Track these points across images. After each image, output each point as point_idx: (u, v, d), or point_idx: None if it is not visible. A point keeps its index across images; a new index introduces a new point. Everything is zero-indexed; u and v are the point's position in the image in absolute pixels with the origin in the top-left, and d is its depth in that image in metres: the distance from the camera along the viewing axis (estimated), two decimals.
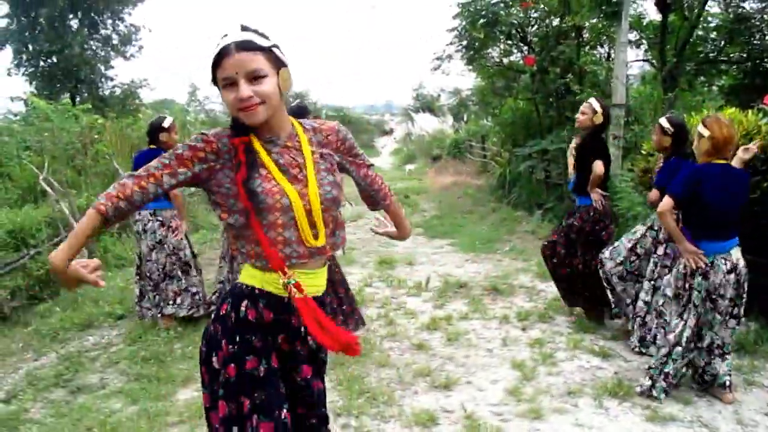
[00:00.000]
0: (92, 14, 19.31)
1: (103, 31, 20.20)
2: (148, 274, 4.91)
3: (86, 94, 18.88)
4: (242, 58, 1.61)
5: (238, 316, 1.73)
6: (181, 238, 4.97)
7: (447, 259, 7.38)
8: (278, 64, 1.70)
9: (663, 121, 4.28)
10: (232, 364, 1.70)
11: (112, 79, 20.25)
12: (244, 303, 1.73)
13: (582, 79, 9.85)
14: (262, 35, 1.70)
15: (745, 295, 3.61)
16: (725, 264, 3.47)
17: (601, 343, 4.45)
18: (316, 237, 1.74)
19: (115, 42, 20.42)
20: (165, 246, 4.88)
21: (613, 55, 11.81)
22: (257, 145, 1.72)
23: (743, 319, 4.46)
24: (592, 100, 4.83)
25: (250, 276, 1.76)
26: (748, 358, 4.19)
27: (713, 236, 3.48)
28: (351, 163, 1.99)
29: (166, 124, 4.87)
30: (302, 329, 1.76)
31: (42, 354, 4.53)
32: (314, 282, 1.79)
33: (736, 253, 3.54)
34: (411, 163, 23.29)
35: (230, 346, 1.71)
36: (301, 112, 4.47)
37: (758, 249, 5.34)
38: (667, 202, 3.46)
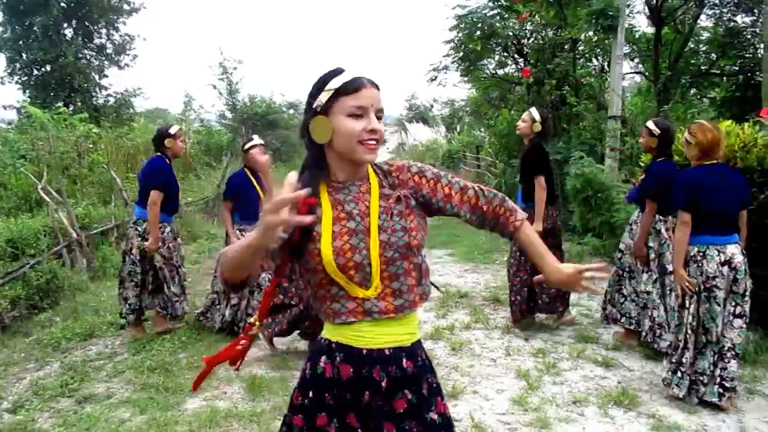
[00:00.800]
0: (87, 23, 19.31)
1: (97, 41, 20.20)
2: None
3: (80, 103, 18.85)
4: (375, 93, 1.60)
5: (315, 371, 1.64)
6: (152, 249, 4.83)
7: (447, 269, 7.41)
8: None
9: (650, 124, 4.59)
10: (300, 415, 1.64)
11: (106, 89, 20.23)
12: (322, 358, 1.64)
13: (578, 91, 9.96)
14: None
15: (747, 295, 3.68)
16: (718, 255, 3.57)
17: (603, 352, 4.50)
18: (367, 287, 1.58)
19: (109, 51, 20.42)
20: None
21: (607, 68, 11.98)
22: (324, 197, 1.62)
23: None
24: (533, 109, 5.11)
25: (327, 329, 1.67)
26: (749, 368, 4.24)
27: (708, 229, 3.59)
28: (435, 194, 1.72)
29: (172, 131, 4.92)
30: (382, 383, 1.61)
31: (45, 364, 4.51)
32: (388, 332, 1.62)
33: (733, 249, 3.61)
34: None
35: (302, 399, 1.64)
36: None
37: (757, 260, 5.41)
38: (682, 218, 3.59)
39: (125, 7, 19.95)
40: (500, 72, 12.61)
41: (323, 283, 1.59)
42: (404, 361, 1.62)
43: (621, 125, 8.67)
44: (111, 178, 9.59)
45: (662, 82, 10.32)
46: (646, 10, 11.52)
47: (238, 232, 4.87)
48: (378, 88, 1.62)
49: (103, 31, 20.22)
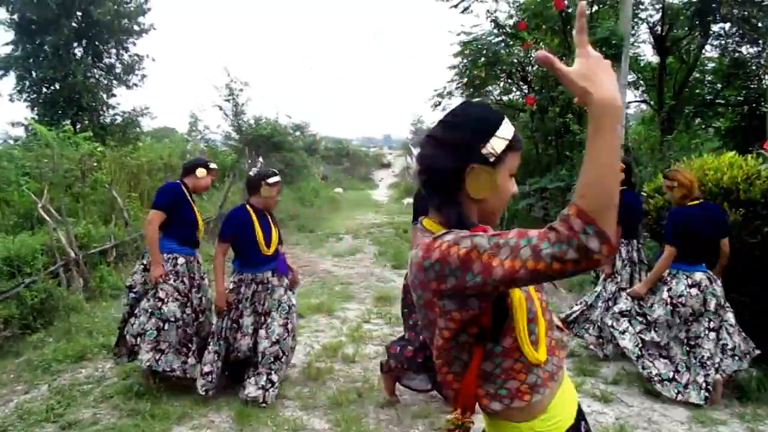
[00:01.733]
0: (97, 43, 19.49)
1: (107, 60, 20.34)
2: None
3: (87, 122, 18.93)
4: None
5: None
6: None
7: None
8: None
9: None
10: None
11: (113, 108, 20.33)
12: None
13: (581, 118, 9.94)
14: None
15: (721, 312, 4.29)
16: (686, 279, 4.25)
17: (602, 386, 4.40)
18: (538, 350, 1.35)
19: (118, 71, 20.55)
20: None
21: None
22: None
23: (745, 364, 4.46)
24: None
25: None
26: (751, 406, 4.14)
27: (682, 260, 4.24)
28: None
29: (211, 165, 4.57)
30: None
31: (33, 386, 4.44)
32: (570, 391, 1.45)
33: (700, 275, 4.27)
34: (408, 197, 23.35)
35: None
36: None
37: (757, 293, 5.32)
38: (670, 251, 4.21)
39: (135, 28, 20.15)
40: (505, 98, 12.64)
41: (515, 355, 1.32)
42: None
43: (625, 153, 8.63)
44: (112, 197, 9.56)
45: (666, 111, 10.32)
46: (651, 40, 11.58)
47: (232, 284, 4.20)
48: None
49: (113, 51, 20.37)
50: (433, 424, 3.75)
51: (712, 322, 4.23)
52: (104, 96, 20.16)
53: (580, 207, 1.08)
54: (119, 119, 20.25)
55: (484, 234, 1.20)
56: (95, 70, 20.15)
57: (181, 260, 4.28)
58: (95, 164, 11.81)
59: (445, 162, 1.33)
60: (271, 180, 4.27)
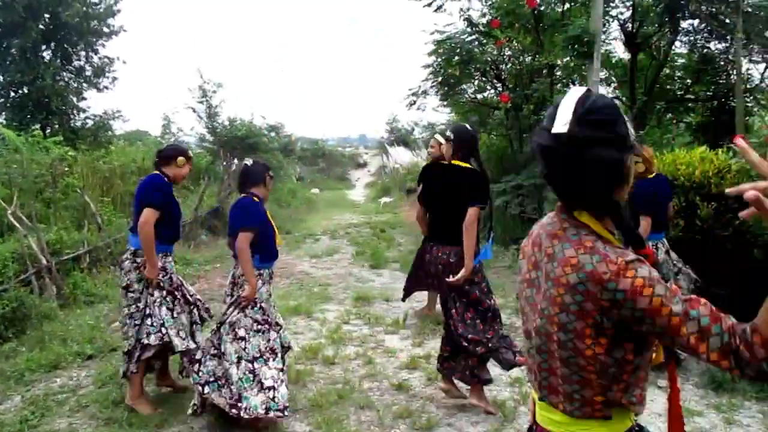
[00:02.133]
0: (66, 46, 19.15)
1: (76, 63, 20.01)
2: None
3: (57, 126, 18.61)
4: None
5: None
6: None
7: (424, 295, 7.31)
8: None
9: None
10: None
11: (84, 111, 20.01)
12: None
13: None
14: None
15: (684, 268, 4.86)
16: (663, 246, 4.76)
17: None
18: None
19: (88, 74, 20.22)
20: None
21: None
22: None
23: None
24: (437, 135, 5.09)
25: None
26: (726, 397, 4.20)
27: (656, 229, 4.66)
28: None
29: (190, 153, 4.40)
30: None
31: (6, 397, 4.34)
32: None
33: (665, 241, 4.84)
34: (386, 196, 23.34)
35: None
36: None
37: (729, 284, 5.41)
38: (647, 223, 4.55)
39: (105, 29, 19.84)
40: (479, 97, 12.69)
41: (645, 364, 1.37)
42: None
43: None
44: (85, 202, 9.40)
45: (638, 107, 10.44)
46: (622, 36, 11.71)
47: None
48: None
49: (82, 53, 20.04)
50: (415, 423, 3.75)
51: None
52: (74, 99, 19.83)
53: (765, 337, 1.13)
54: (90, 123, 19.93)
55: (675, 291, 1.23)
56: (64, 73, 19.80)
57: (169, 258, 4.15)
58: (66, 169, 11.61)
59: (617, 156, 1.29)
60: (271, 173, 4.17)
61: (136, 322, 3.95)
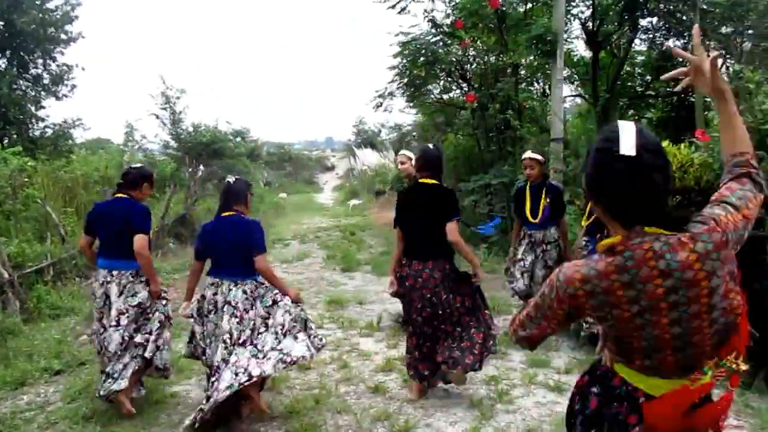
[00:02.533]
0: (22, 53, 18.68)
1: (33, 71, 19.53)
2: None
3: (15, 136, 18.16)
4: None
5: None
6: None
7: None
8: None
9: (535, 155, 5.52)
10: None
11: (43, 120, 19.55)
12: None
13: (521, 114, 10.14)
14: None
15: None
16: None
17: (555, 377, 4.48)
18: None
19: (46, 82, 19.78)
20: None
21: (548, 91, 12.26)
22: None
23: None
24: (404, 151, 5.24)
25: None
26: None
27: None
28: None
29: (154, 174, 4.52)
30: None
31: None
32: None
33: None
34: (354, 199, 23.31)
35: None
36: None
37: None
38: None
39: (62, 36, 19.42)
40: (445, 97, 12.77)
41: None
42: None
43: (564, 147, 8.84)
44: (46, 213, 9.17)
45: (602, 105, 10.61)
46: (584, 35, 11.89)
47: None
48: None
49: (39, 61, 19.57)
50: (393, 426, 3.73)
51: None
52: (32, 108, 19.36)
53: (751, 152, 1.65)
54: (50, 132, 19.49)
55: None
56: (21, 82, 19.32)
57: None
58: (26, 180, 11.31)
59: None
60: (252, 191, 4.28)
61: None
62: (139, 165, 4.55)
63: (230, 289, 3.81)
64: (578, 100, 14.96)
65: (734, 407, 3.97)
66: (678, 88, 1.73)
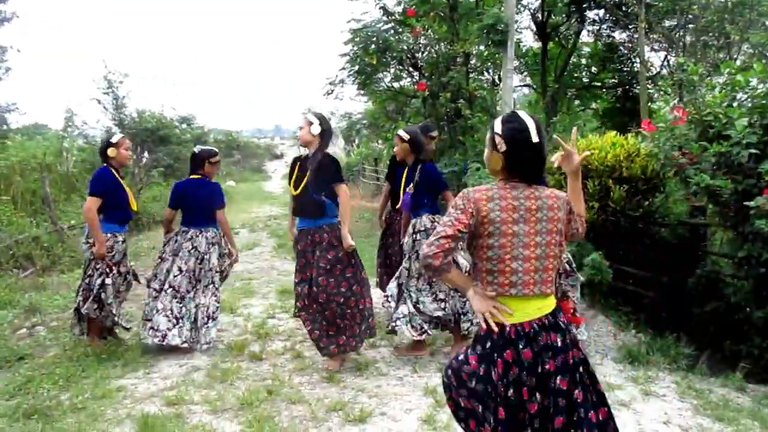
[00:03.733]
0: None
1: None
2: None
3: None
4: None
5: None
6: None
7: None
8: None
9: (401, 132, 4.98)
10: None
11: None
12: None
13: (472, 103, 10.20)
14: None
15: None
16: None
17: None
18: None
19: None
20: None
21: (498, 81, 12.38)
22: None
23: (633, 332, 4.81)
24: (309, 114, 5.09)
25: None
26: (642, 370, 4.42)
27: None
28: None
29: (113, 139, 4.93)
30: None
31: None
32: None
33: None
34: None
35: None
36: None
37: (640, 264, 5.70)
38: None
39: None
40: (396, 85, 12.73)
41: None
42: None
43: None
44: None
45: (550, 95, 10.79)
46: (533, 26, 12.06)
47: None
48: None
49: None
50: (348, 415, 3.71)
51: None
52: None
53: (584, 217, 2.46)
54: None
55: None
56: None
57: (120, 238, 4.93)
58: None
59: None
60: (214, 159, 5.23)
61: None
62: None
63: (196, 236, 5.02)
64: (526, 90, 15.20)
65: (678, 389, 4.11)
66: (555, 163, 2.45)
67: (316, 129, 4.46)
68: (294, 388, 4.15)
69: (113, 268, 4.84)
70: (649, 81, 11.08)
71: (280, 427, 3.58)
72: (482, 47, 10.09)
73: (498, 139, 2.25)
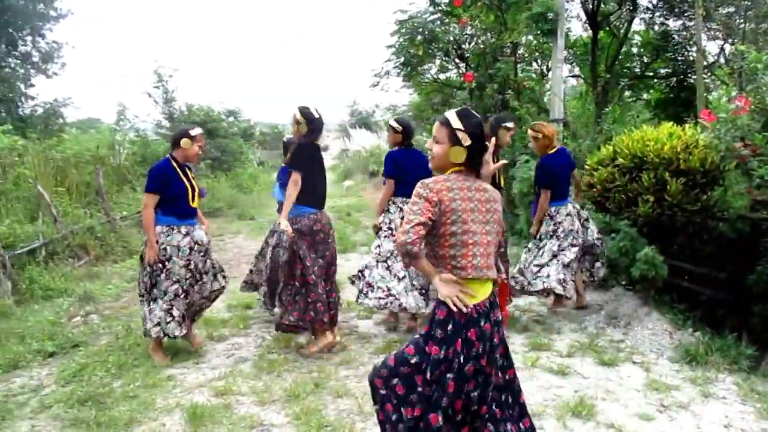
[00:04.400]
0: (10, 30, 18.37)
1: (22, 48, 19.26)
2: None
3: (4, 114, 17.92)
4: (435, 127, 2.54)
5: None
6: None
7: None
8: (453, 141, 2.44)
9: (392, 122, 5.32)
10: None
11: (33, 98, 19.28)
12: None
13: (520, 95, 10.01)
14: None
15: (585, 235, 5.51)
16: (564, 210, 5.39)
17: (558, 360, 4.42)
18: None
19: (35, 59, 19.50)
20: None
21: (546, 72, 12.12)
22: None
23: (690, 330, 4.64)
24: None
25: None
26: (700, 370, 4.24)
27: (557, 197, 5.40)
28: None
29: (192, 132, 4.66)
30: None
31: None
32: None
33: (570, 206, 5.46)
34: (348, 180, 23.18)
35: None
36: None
37: (697, 260, 5.47)
38: (546, 195, 5.37)
39: (51, 13, 19.09)
40: (442, 77, 12.60)
41: None
42: None
43: (564, 128, 8.74)
44: (38, 193, 9.01)
45: (600, 86, 10.50)
46: (582, 15, 11.73)
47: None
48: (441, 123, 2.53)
49: (29, 38, 19.29)
50: None
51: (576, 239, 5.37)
52: (22, 86, 19.09)
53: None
54: (40, 110, 19.24)
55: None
56: (10, 59, 19.04)
57: (183, 230, 4.57)
58: (17, 159, 11.12)
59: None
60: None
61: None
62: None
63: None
64: (573, 81, 14.84)
65: (740, 391, 3.93)
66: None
67: (304, 128, 4.65)
68: (340, 381, 4.13)
69: (165, 264, 4.46)
70: (706, 70, 10.66)
71: (326, 420, 3.56)
72: (531, 37, 9.87)
73: (461, 134, 2.42)
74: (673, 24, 11.85)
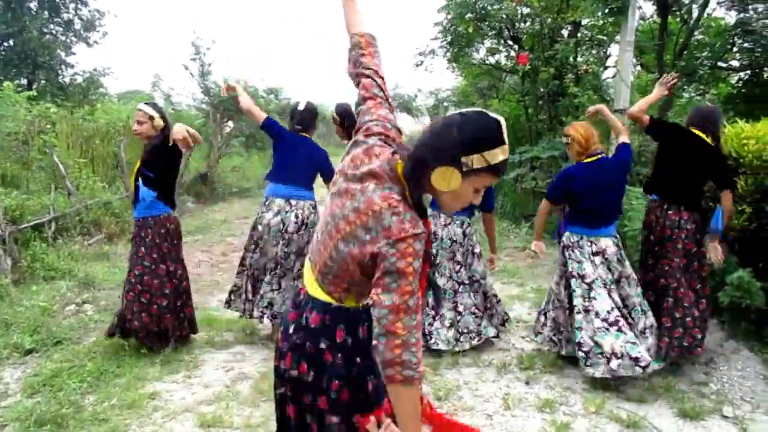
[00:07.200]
0: None
1: (64, 15, 18.98)
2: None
3: (44, 81, 17.66)
4: None
5: None
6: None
7: None
8: None
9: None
10: None
11: (72, 66, 19.01)
12: None
13: (579, 81, 9.05)
14: None
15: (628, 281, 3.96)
16: (590, 246, 3.94)
17: (627, 406, 3.53)
18: None
19: (77, 27, 19.21)
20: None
21: (604, 57, 11.10)
22: None
23: None
24: (144, 106, 4.15)
25: None
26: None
27: (583, 223, 3.98)
28: None
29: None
30: None
31: None
32: None
33: (605, 241, 3.96)
34: None
35: None
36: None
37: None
38: (544, 204, 4.13)
39: None
40: (491, 60, 11.67)
41: None
42: None
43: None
44: (54, 164, 8.47)
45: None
46: None
47: None
48: None
49: (71, 5, 19.00)
50: None
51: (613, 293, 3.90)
52: (62, 54, 18.85)
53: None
54: (79, 79, 19.00)
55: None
56: (52, 26, 18.83)
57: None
58: (48, 127, 10.65)
59: (428, 158, 1.60)
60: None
61: None
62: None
63: None
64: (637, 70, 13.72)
65: None
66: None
67: (160, 123, 4.13)
68: None
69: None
70: None
71: None
72: (597, 15, 8.87)
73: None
74: (753, 8, 10.64)
